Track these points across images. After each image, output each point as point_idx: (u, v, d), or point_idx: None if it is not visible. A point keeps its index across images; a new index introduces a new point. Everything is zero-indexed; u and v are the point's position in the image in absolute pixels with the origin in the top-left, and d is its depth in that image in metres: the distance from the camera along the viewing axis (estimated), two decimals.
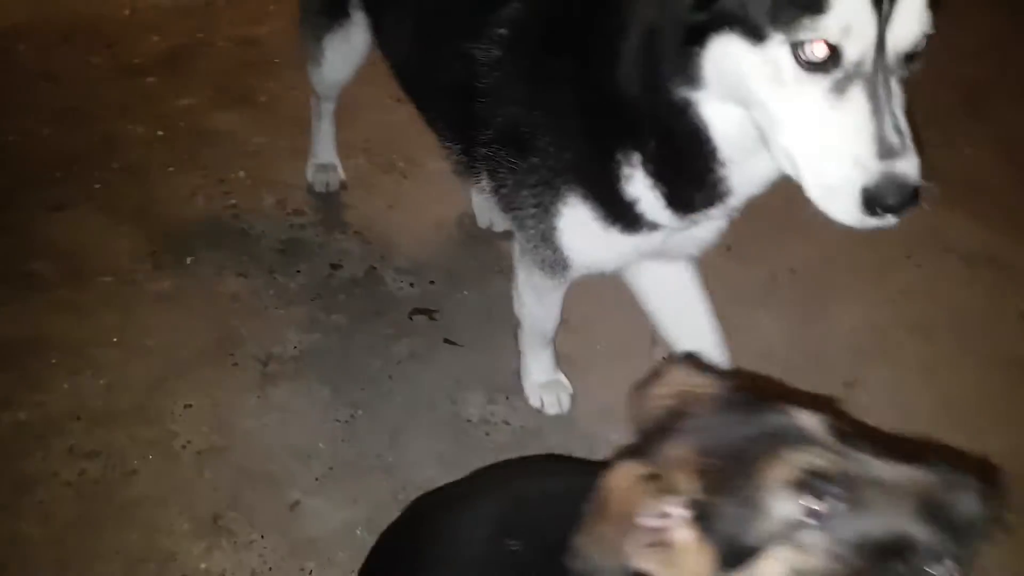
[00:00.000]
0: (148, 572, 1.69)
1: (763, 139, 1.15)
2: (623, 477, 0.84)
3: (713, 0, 1.06)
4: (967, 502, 0.79)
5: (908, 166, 1.00)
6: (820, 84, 1.02)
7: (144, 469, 1.86)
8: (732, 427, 0.87)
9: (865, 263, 2.52)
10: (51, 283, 2.26)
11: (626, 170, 1.41)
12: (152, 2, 3.43)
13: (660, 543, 0.84)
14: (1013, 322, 2.42)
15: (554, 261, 1.64)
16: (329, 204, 2.58)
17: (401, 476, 1.87)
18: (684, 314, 1.85)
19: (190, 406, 1.99)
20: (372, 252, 2.43)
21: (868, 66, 1.00)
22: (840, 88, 1.01)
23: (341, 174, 2.58)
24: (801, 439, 0.83)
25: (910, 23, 1.00)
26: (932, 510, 0.79)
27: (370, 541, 1.37)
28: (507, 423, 2.02)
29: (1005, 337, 2.37)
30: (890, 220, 1.06)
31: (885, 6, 0.97)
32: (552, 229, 1.55)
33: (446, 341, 2.21)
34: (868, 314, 2.41)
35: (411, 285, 2.35)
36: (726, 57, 1.09)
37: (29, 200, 2.52)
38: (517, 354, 2.05)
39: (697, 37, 1.11)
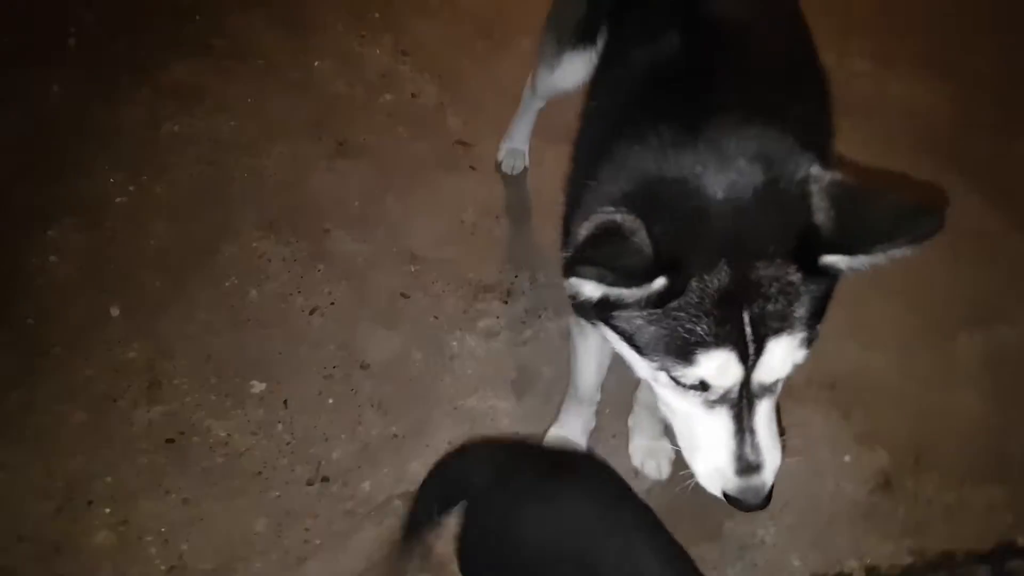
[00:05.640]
0: None
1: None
2: None
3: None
4: None
5: (761, 480, 1.17)
6: (695, 398, 1.16)
7: None
8: None
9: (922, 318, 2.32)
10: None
11: None
12: None
13: None
14: None
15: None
16: None
17: None
18: None
19: None
20: None
21: (734, 394, 1.13)
22: (710, 406, 1.16)
23: (526, 161, 2.74)
24: None
25: (774, 368, 1.10)
26: None
27: None
28: None
29: None
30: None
31: (751, 358, 1.08)
32: None
33: None
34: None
35: None
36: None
37: None
38: None
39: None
